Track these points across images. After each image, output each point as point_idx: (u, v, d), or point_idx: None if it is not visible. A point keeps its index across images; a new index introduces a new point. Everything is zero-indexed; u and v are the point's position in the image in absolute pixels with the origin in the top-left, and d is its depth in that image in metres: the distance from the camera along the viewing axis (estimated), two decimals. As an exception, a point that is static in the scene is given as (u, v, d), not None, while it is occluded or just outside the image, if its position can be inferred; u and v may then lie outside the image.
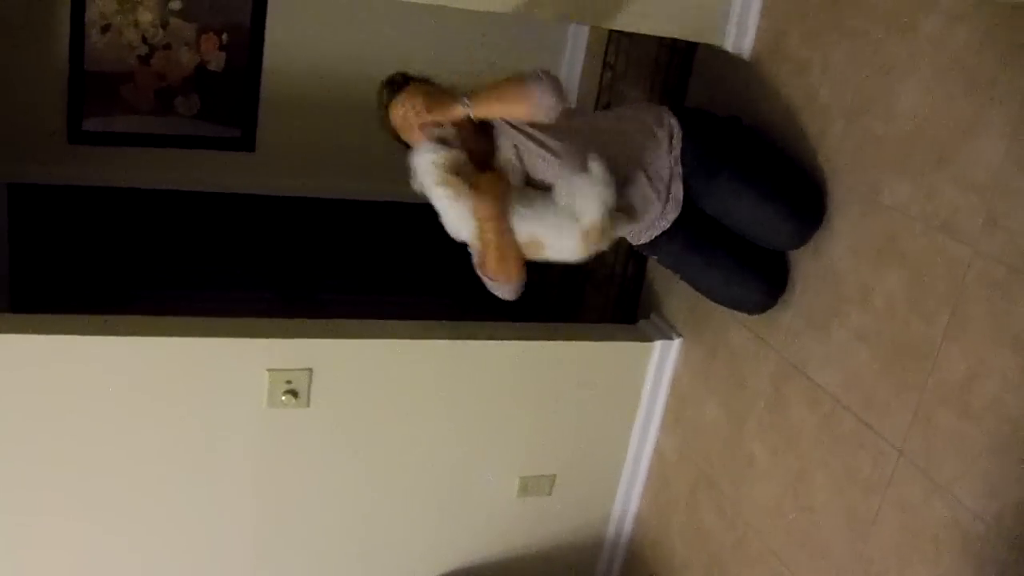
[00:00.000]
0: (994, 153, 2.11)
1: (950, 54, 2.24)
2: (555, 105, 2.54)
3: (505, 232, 2.53)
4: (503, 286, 2.66)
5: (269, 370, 2.93)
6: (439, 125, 2.54)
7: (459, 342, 3.14)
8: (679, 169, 2.72)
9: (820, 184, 2.65)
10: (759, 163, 2.72)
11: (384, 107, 2.65)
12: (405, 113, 2.59)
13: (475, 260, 2.67)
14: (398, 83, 2.66)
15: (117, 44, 3.98)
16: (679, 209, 2.73)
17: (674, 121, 2.75)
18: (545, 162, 2.59)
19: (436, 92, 2.61)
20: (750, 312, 2.88)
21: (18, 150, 3.97)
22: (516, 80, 2.56)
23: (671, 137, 2.72)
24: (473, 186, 2.50)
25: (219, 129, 4.25)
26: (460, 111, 2.54)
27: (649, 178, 2.66)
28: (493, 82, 2.58)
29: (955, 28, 2.22)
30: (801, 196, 2.65)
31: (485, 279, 2.68)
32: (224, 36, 4.10)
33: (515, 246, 2.56)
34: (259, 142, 4.31)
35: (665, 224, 2.74)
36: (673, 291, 3.40)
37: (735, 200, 2.67)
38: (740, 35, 2.97)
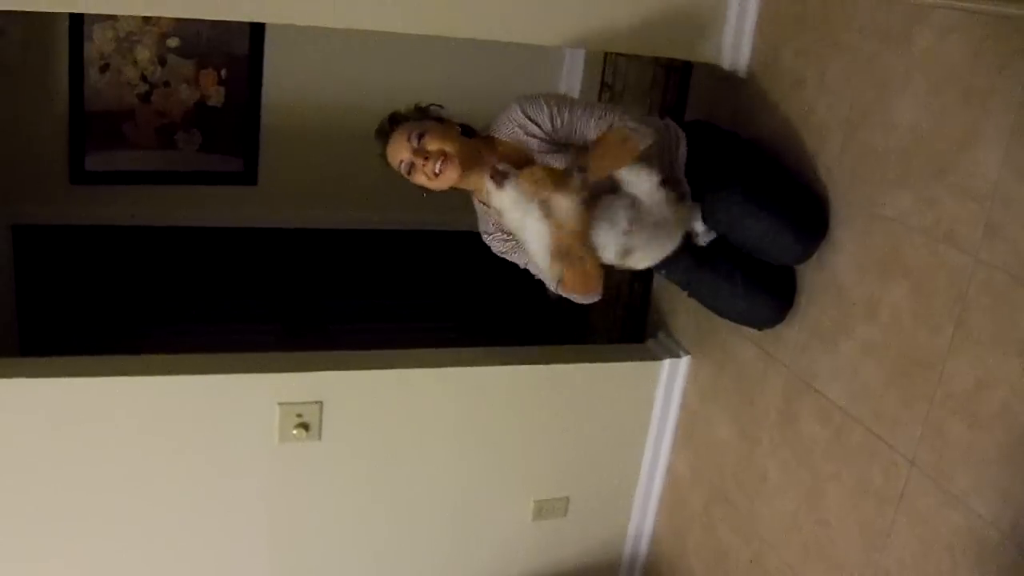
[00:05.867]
0: (992, 162, 2.12)
1: (944, 66, 2.25)
2: (647, 137, 2.57)
3: (589, 247, 2.55)
4: (585, 297, 2.70)
5: (280, 404, 2.94)
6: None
7: (468, 369, 3.15)
8: (685, 183, 2.73)
9: (821, 197, 2.66)
10: (761, 176, 2.72)
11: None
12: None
13: (551, 285, 2.68)
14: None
15: (116, 83, 4.01)
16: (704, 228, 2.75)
17: (679, 133, 2.77)
18: None
19: (549, 172, 2.54)
20: (758, 327, 2.89)
21: (21, 192, 3.99)
22: (617, 136, 2.54)
23: (677, 149, 2.73)
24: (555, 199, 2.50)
25: (221, 164, 4.27)
26: (576, 183, 2.48)
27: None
28: (597, 144, 2.55)
29: (948, 40, 2.23)
30: (803, 209, 2.66)
31: (565, 294, 2.70)
32: (223, 71, 4.12)
33: (596, 258, 2.59)
34: (261, 175, 4.33)
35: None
36: (679, 309, 3.41)
37: (739, 213, 2.67)
38: (735, 52, 2.98)
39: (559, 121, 2.59)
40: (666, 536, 3.55)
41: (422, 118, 2.67)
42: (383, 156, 2.66)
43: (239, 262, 4.47)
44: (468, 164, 2.59)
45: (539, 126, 2.60)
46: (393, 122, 2.65)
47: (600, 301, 2.72)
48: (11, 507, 2.83)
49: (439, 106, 2.71)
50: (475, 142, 2.66)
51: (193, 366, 2.89)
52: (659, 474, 3.51)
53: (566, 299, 2.70)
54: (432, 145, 2.57)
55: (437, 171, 2.57)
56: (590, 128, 2.60)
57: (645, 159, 2.54)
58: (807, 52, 2.73)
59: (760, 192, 2.66)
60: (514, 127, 2.62)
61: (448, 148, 2.57)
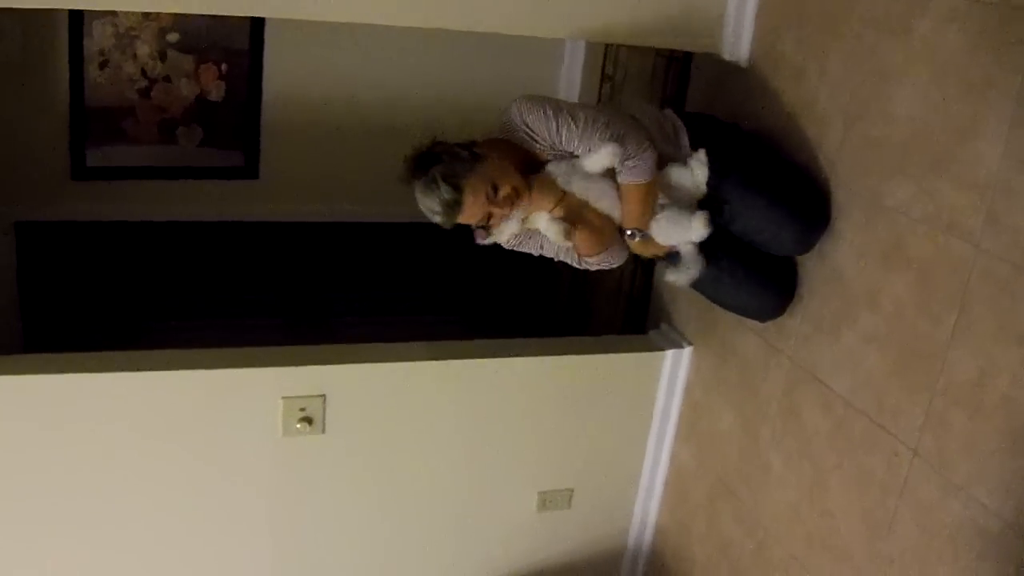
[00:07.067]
0: (992, 152, 2.12)
1: (944, 55, 2.24)
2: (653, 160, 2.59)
3: (571, 215, 2.61)
4: (608, 258, 2.74)
5: (283, 398, 2.94)
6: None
7: (471, 361, 3.15)
8: None
9: (823, 188, 2.66)
10: (762, 169, 2.72)
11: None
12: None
13: (575, 260, 2.75)
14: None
15: (117, 79, 4.01)
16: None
17: (679, 124, 2.76)
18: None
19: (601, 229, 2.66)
20: (760, 320, 2.89)
21: (23, 189, 4.00)
22: (640, 188, 2.57)
23: (677, 140, 2.73)
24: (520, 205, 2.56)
25: (222, 158, 4.28)
26: (636, 242, 2.67)
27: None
28: (630, 203, 2.60)
29: (948, 30, 2.23)
30: (805, 201, 2.65)
31: (592, 262, 2.74)
32: (223, 66, 4.13)
33: (589, 219, 2.64)
34: (263, 169, 4.33)
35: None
36: (682, 300, 3.41)
37: (740, 206, 2.67)
38: (736, 43, 2.98)
39: (559, 139, 2.56)
40: (670, 527, 3.56)
41: (469, 169, 2.50)
42: (447, 219, 2.52)
43: (241, 257, 4.47)
44: (526, 180, 2.58)
45: (540, 137, 2.59)
46: (456, 188, 2.46)
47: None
48: (14, 503, 2.84)
49: (444, 140, 2.58)
50: (511, 156, 2.60)
51: (196, 361, 2.90)
52: (662, 465, 3.52)
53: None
54: (507, 190, 2.51)
55: (512, 209, 2.56)
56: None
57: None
58: (807, 42, 2.73)
59: (761, 184, 2.67)
60: (520, 133, 2.60)
61: (516, 185, 2.54)
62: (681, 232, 2.64)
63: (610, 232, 2.68)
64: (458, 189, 2.45)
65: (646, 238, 2.65)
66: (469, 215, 2.50)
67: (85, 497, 2.90)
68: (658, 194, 2.62)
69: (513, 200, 2.53)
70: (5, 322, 4.11)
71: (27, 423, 2.76)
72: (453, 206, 2.46)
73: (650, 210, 2.61)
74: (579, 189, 2.60)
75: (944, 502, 2.28)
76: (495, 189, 2.49)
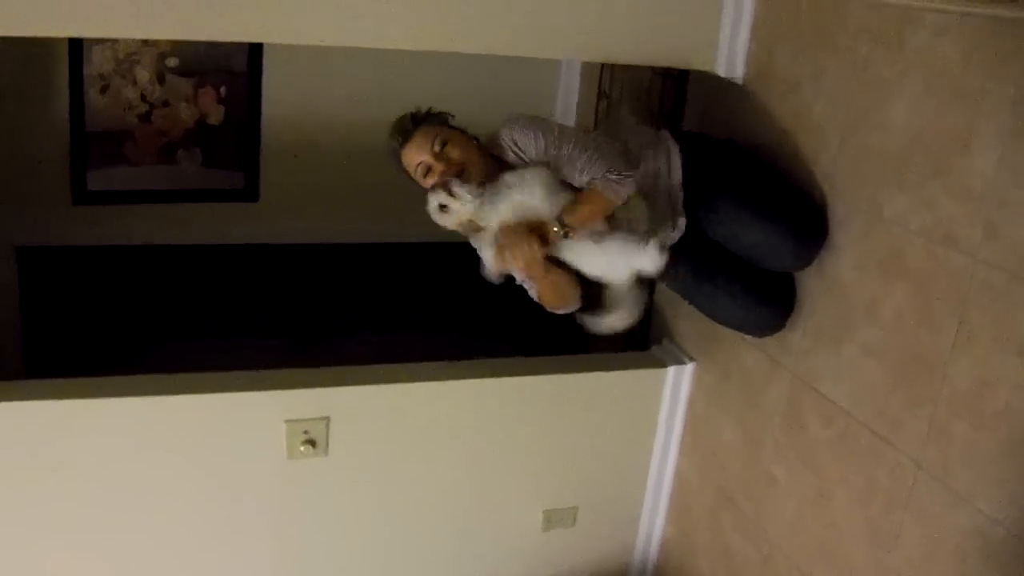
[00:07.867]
0: (987, 162, 2.12)
1: (938, 67, 2.26)
2: (630, 189, 2.57)
3: (547, 271, 2.58)
4: (564, 309, 2.73)
5: (287, 421, 2.94)
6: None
7: (474, 381, 3.16)
8: (680, 194, 2.74)
9: (820, 202, 2.66)
10: (758, 185, 2.73)
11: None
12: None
13: (533, 297, 2.73)
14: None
15: (117, 103, 4.02)
16: (681, 232, 2.75)
17: (673, 145, 2.77)
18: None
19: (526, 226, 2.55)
20: (759, 335, 2.89)
21: (24, 213, 4.00)
22: (603, 198, 2.54)
23: (670, 161, 2.74)
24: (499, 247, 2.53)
25: (222, 181, 4.28)
26: (555, 236, 2.53)
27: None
28: (581, 199, 2.54)
29: (941, 42, 2.24)
30: (802, 216, 2.66)
31: (548, 308, 2.74)
32: (222, 89, 4.14)
33: (562, 276, 2.62)
34: (263, 192, 4.34)
35: (670, 242, 2.76)
36: (683, 315, 3.41)
37: (737, 223, 2.68)
38: (731, 59, 2.99)
39: (546, 157, 2.59)
40: (675, 542, 3.56)
41: (441, 124, 2.68)
42: (395, 154, 2.66)
43: (244, 279, 4.47)
44: (484, 178, 2.58)
45: (528, 156, 2.62)
46: (415, 122, 2.65)
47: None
48: (19, 528, 2.84)
49: (451, 115, 2.74)
50: (489, 158, 2.66)
51: (199, 385, 2.90)
52: (667, 480, 3.52)
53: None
54: (454, 154, 2.59)
55: (447, 174, 2.57)
56: (574, 176, 2.58)
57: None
58: (802, 57, 2.74)
59: (757, 201, 2.67)
60: (507, 151, 2.64)
61: (469, 159, 2.59)
62: (627, 258, 2.58)
63: (572, 291, 2.67)
64: (414, 124, 2.65)
65: (567, 239, 2.54)
66: (411, 152, 2.63)
67: (88, 524, 2.90)
68: (610, 215, 2.60)
69: (453, 168, 2.58)
70: (7, 347, 4.12)
71: (28, 450, 2.77)
72: (403, 134, 2.65)
73: (594, 223, 2.57)
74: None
75: (948, 513, 2.28)
76: (443, 145, 2.60)
